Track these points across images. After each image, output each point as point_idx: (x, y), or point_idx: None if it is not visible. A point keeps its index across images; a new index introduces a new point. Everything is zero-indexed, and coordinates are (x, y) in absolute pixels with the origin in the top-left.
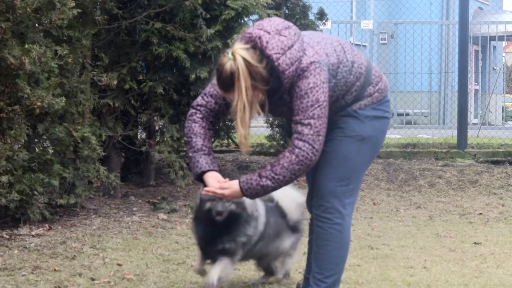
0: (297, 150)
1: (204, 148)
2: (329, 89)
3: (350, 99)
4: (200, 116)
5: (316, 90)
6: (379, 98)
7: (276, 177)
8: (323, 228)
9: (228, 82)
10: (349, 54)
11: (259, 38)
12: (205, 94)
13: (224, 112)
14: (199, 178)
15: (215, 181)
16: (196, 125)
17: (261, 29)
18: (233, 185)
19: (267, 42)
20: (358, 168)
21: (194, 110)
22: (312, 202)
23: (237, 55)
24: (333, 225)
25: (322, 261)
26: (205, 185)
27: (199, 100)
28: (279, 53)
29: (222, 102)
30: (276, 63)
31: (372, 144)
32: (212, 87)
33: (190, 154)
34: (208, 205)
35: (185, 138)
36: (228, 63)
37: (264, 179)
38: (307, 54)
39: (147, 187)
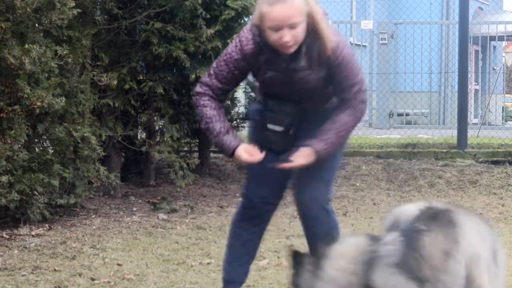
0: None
1: (222, 129)
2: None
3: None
4: (207, 98)
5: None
6: None
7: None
8: (316, 225)
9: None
10: None
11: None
12: (210, 75)
13: (229, 90)
14: (232, 156)
15: (246, 154)
16: (206, 109)
17: None
18: (306, 155)
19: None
20: (336, 168)
21: (201, 90)
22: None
23: None
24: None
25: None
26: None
27: (205, 79)
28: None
29: (226, 85)
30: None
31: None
32: (216, 66)
33: (213, 140)
34: None
35: (202, 125)
36: None
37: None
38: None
39: (147, 187)
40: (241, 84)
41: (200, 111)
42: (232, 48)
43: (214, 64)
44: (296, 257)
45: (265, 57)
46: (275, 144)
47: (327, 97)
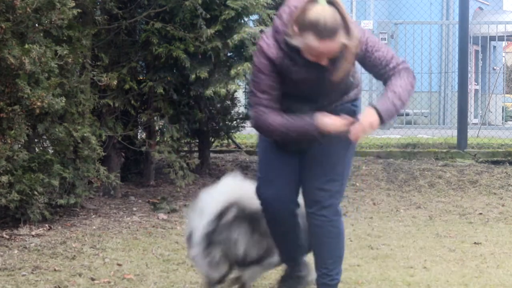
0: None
1: (290, 117)
2: None
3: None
4: (268, 112)
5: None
6: (358, 95)
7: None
8: (321, 226)
9: (336, 26)
10: None
11: None
12: (254, 95)
13: (279, 95)
14: (318, 130)
15: (327, 118)
16: (272, 120)
17: None
18: (371, 116)
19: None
20: (347, 167)
21: (260, 112)
22: (301, 199)
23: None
24: (329, 222)
25: (324, 256)
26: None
27: (254, 100)
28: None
29: (274, 90)
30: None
31: (353, 143)
32: (254, 83)
33: (294, 135)
34: None
35: (277, 134)
36: (325, 6)
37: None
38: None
39: (147, 187)
40: (241, 84)
41: (265, 125)
42: (256, 58)
43: (251, 83)
44: None
45: (292, 62)
46: (293, 143)
47: (345, 91)
